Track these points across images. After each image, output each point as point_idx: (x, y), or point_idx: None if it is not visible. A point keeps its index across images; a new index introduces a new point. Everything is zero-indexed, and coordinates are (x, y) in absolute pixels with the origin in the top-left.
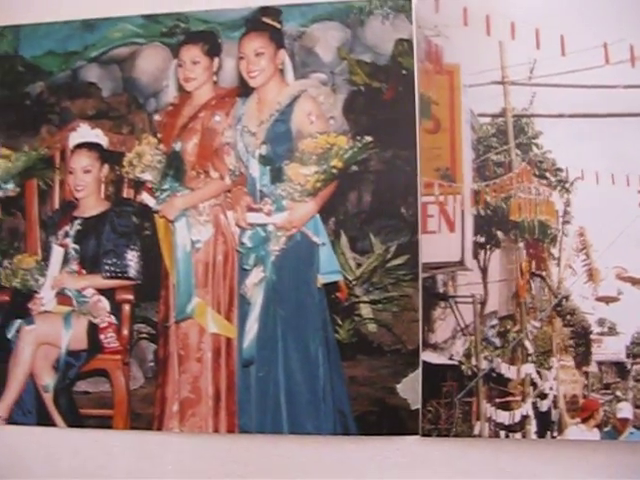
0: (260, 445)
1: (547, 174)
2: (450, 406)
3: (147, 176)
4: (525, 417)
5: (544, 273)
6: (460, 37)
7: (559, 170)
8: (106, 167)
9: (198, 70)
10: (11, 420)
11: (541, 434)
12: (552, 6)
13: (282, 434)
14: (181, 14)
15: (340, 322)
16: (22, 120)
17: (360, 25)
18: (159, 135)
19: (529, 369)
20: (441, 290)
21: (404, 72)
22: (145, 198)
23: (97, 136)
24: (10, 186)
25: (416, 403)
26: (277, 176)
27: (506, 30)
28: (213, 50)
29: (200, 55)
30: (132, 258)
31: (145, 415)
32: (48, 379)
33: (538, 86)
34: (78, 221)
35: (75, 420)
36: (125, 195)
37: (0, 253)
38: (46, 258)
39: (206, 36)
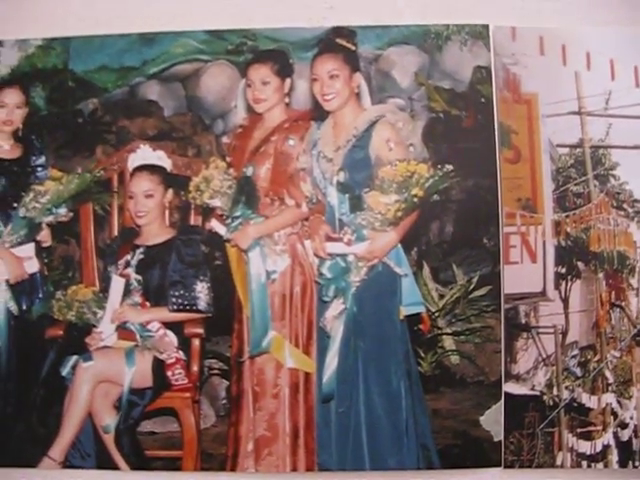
0: None
1: (625, 205)
2: (532, 437)
3: (216, 202)
4: (606, 447)
5: (623, 303)
6: (537, 66)
7: (636, 201)
8: (170, 192)
9: (268, 91)
10: (68, 464)
11: (623, 464)
12: (626, 37)
13: (364, 470)
14: (247, 31)
15: (422, 354)
16: (74, 139)
17: (438, 50)
18: (228, 159)
19: (610, 398)
20: (523, 321)
21: (482, 100)
22: (215, 226)
23: (159, 158)
24: (62, 211)
25: (499, 435)
26: (357, 204)
27: (582, 60)
28: (284, 70)
29: (270, 75)
30: (202, 289)
31: (217, 455)
32: (109, 419)
33: (614, 117)
34: (140, 250)
35: (140, 462)
36: (192, 222)
37: (52, 284)
38: (105, 289)
39: (276, 55)
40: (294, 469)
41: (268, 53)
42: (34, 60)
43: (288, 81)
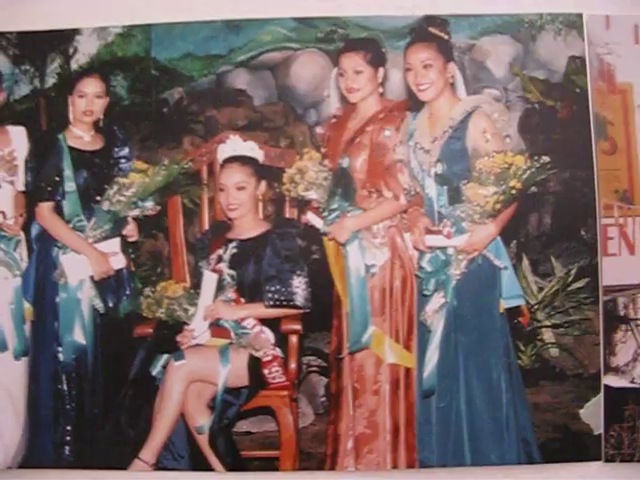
0: (442, 479)
1: None
2: (633, 430)
3: (312, 194)
4: None
5: None
6: (631, 56)
7: None
8: (263, 184)
9: (362, 80)
10: (160, 466)
11: None
12: None
13: (465, 466)
14: (338, 19)
15: (522, 347)
16: (159, 130)
17: (532, 40)
18: (323, 149)
19: None
20: (622, 313)
21: (577, 90)
22: (311, 219)
23: (251, 149)
24: (149, 204)
25: (598, 428)
26: (455, 196)
27: None
28: (377, 59)
29: (363, 64)
30: (299, 284)
31: (316, 454)
32: (202, 420)
33: None
34: (233, 244)
35: (236, 463)
36: (287, 215)
37: (140, 280)
38: (196, 285)
39: (368, 44)
40: (395, 466)
41: (360, 41)
42: (114, 48)
43: (381, 70)
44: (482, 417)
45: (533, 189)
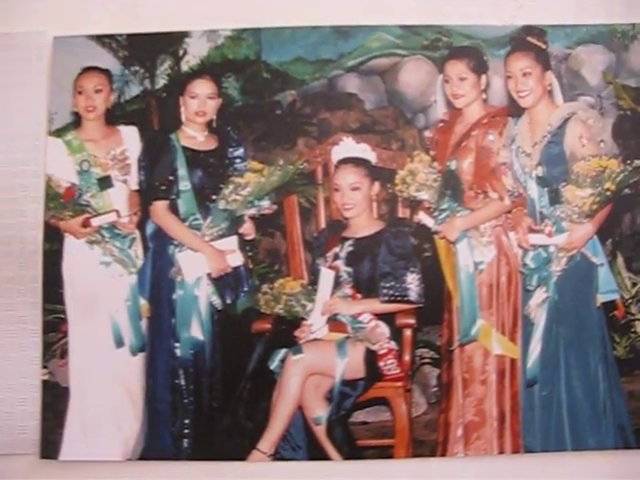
0: (544, 464)
1: None
2: None
3: (423, 195)
4: None
5: None
6: None
7: None
8: (377, 184)
9: (466, 87)
10: (278, 456)
11: None
12: None
13: (566, 451)
14: (442, 27)
15: (617, 339)
16: (273, 131)
17: (624, 50)
18: (432, 152)
19: None
20: None
21: None
22: (423, 218)
23: (364, 151)
24: (265, 203)
25: None
26: (555, 198)
27: None
28: (479, 67)
29: (466, 71)
30: (412, 281)
31: (428, 442)
32: (320, 411)
33: None
34: (349, 242)
35: (352, 452)
36: (400, 215)
37: (258, 277)
38: (313, 282)
39: (471, 52)
40: (501, 452)
41: (463, 49)
42: (224, 51)
43: (484, 77)
44: (581, 404)
45: (626, 191)
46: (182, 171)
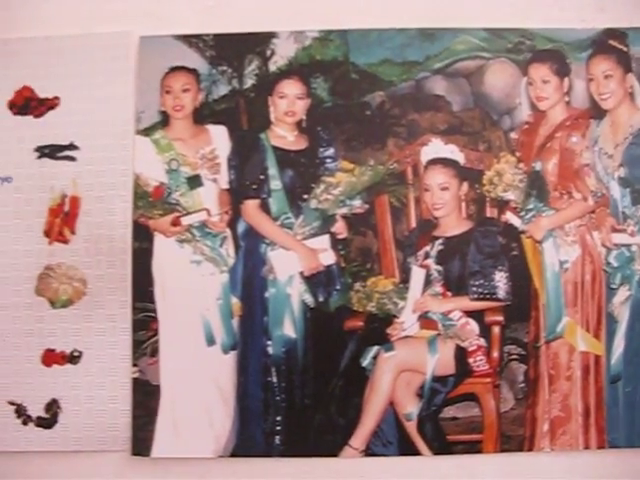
0: (629, 459)
1: None
2: None
3: (510, 195)
4: None
5: None
6: None
7: None
8: (465, 185)
9: (549, 89)
10: (369, 452)
11: None
12: None
13: None
14: (525, 30)
15: None
16: (363, 132)
17: None
18: (517, 154)
19: None
20: None
21: None
22: (510, 218)
23: (452, 152)
24: (357, 202)
25: None
26: (637, 198)
27: None
28: (562, 70)
29: (549, 74)
30: (500, 279)
31: (515, 437)
32: (411, 407)
33: None
34: (439, 241)
35: (442, 447)
36: (488, 214)
37: (350, 275)
38: (405, 280)
39: (554, 55)
40: (586, 447)
41: (546, 53)
42: (312, 52)
43: (566, 80)
44: None
45: None
46: (273, 170)
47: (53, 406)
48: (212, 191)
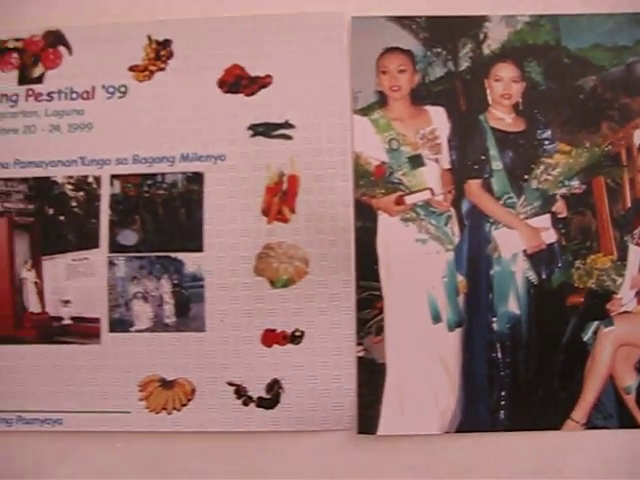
0: None
1: None
2: None
3: None
4: None
5: None
6: None
7: None
8: None
9: None
10: (590, 425)
11: None
12: None
13: None
14: None
15: None
16: (578, 115)
17: None
18: None
19: None
20: None
21: None
22: None
23: None
24: (575, 183)
25: None
26: None
27: None
28: None
29: None
30: None
31: None
32: (630, 381)
33: None
34: None
35: None
36: None
37: (570, 253)
38: (622, 258)
39: None
40: None
41: None
42: (523, 36)
43: None
44: None
45: None
46: (493, 151)
47: (275, 386)
48: (434, 171)
